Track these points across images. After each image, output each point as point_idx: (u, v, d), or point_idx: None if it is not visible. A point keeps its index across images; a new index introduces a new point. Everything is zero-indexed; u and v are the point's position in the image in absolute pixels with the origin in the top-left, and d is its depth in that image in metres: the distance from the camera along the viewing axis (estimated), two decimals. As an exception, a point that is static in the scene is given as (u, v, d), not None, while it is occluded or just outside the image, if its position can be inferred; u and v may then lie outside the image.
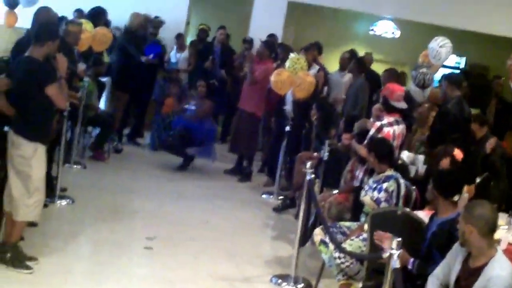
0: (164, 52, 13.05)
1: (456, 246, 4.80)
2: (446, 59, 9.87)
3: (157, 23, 13.20)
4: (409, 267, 5.10)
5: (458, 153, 7.22)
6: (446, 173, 5.86)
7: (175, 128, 11.24)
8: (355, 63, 10.94)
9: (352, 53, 11.79)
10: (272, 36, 12.76)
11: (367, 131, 7.62)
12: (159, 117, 11.92)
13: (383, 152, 6.58)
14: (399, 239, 4.65)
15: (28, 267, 6.15)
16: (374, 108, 8.31)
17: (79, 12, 11.92)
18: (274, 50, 11.50)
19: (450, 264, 4.78)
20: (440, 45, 9.52)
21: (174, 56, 13.72)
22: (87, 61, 10.15)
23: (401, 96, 7.61)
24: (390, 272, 4.60)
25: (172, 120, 11.42)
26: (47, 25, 6.66)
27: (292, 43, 14.02)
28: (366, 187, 6.48)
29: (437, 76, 10.60)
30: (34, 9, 8.36)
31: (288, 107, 10.51)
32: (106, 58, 11.45)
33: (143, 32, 12.13)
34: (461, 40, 16.14)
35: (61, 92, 6.26)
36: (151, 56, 11.92)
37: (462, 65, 18.91)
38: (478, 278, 4.52)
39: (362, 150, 7.31)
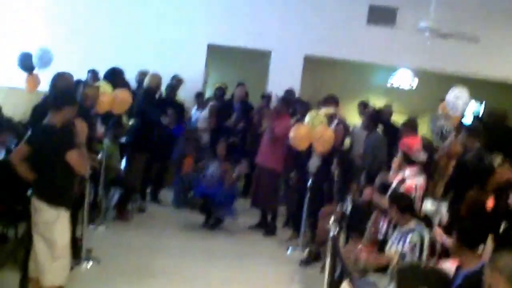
0: (183, 111, 13.16)
1: None
2: (465, 110, 9.91)
3: (178, 81, 13.37)
4: None
5: (490, 202, 7.23)
6: (471, 223, 5.83)
7: (196, 191, 11.22)
8: (368, 118, 11.03)
9: (363, 104, 11.85)
10: (289, 92, 12.84)
11: (389, 184, 7.66)
12: (179, 177, 11.97)
13: (404, 204, 6.63)
14: None
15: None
16: (394, 162, 8.33)
17: (93, 73, 12.09)
18: (292, 105, 11.59)
19: None
20: (456, 96, 9.59)
21: (194, 115, 13.82)
22: (107, 123, 10.28)
23: (419, 149, 7.67)
24: None
25: (193, 181, 11.42)
26: (64, 91, 6.77)
27: (309, 97, 14.10)
28: (391, 241, 6.48)
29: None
30: (49, 71, 8.48)
31: (315, 161, 10.55)
32: (126, 120, 11.57)
33: (160, 92, 12.26)
34: (479, 87, 16.25)
35: (82, 158, 6.29)
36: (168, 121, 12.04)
37: (480, 112, 18.91)
38: None
39: (385, 203, 7.35)
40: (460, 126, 9.79)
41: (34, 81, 12.01)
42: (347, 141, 11.26)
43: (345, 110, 13.59)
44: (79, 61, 12.35)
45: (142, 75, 12.79)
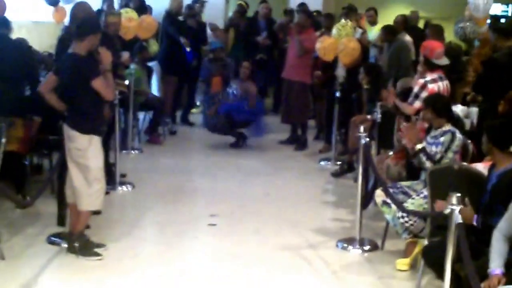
0: (205, 31, 13.07)
1: None
2: (487, 10, 9.75)
3: (201, 3, 13.30)
4: (474, 223, 5.01)
5: None
6: (499, 125, 5.60)
7: (219, 115, 11.14)
8: (384, 32, 10.96)
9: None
10: (303, 5, 12.62)
11: (410, 89, 7.57)
12: (208, 97, 11.97)
13: (440, 105, 6.50)
14: (459, 194, 4.60)
15: (97, 254, 6.27)
16: (418, 66, 8.23)
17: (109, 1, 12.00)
18: (313, 18, 11.47)
19: None
20: None
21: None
22: (132, 49, 10.28)
23: (441, 52, 7.51)
24: (453, 228, 4.57)
25: (218, 106, 11.31)
26: (86, 19, 6.73)
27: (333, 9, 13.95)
28: (424, 144, 6.42)
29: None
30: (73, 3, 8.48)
31: (340, 71, 10.53)
32: (155, 45, 11.58)
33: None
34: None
35: (107, 84, 6.30)
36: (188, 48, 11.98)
37: (510, 13, 18.61)
38: None
39: (406, 108, 7.30)
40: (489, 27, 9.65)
41: (61, 14, 12.10)
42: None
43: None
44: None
45: None
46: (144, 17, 10.20)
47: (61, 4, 12.10)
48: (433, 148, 6.30)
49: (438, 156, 6.27)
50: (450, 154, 6.28)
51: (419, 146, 6.34)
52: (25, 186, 7.33)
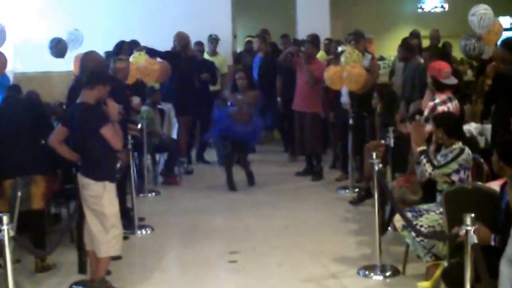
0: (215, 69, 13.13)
1: None
2: (485, 26, 9.89)
3: (214, 41, 13.53)
4: (492, 243, 4.97)
5: None
6: (510, 142, 5.69)
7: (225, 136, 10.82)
8: (402, 51, 10.98)
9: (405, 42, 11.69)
10: (311, 36, 12.64)
11: (422, 111, 7.60)
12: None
13: (451, 125, 6.52)
14: (472, 215, 4.61)
15: (119, 299, 6.31)
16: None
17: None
18: (319, 47, 11.51)
19: None
20: (471, 13, 9.62)
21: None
22: (141, 93, 10.40)
23: (449, 72, 7.54)
24: (469, 248, 4.57)
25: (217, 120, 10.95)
26: (96, 69, 6.88)
27: (342, 36, 14.01)
28: (435, 163, 6.44)
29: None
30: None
31: (344, 99, 10.60)
32: (157, 85, 11.67)
33: (189, 52, 12.21)
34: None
35: (116, 133, 6.40)
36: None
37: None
38: None
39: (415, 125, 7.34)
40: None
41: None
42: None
43: (378, 42, 13.50)
44: (105, 37, 12.43)
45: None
46: (148, 61, 10.29)
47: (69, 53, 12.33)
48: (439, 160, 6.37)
49: (440, 162, 6.33)
50: (454, 165, 6.31)
51: (420, 149, 6.44)
52: (44, 239, 7.36)
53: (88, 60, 7.68)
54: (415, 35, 13.02)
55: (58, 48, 12.43)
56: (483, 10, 9.87)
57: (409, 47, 11.00)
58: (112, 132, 6.29)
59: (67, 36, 12.75)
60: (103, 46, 10.33)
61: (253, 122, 10.59)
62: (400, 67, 11.35)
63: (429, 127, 7.03)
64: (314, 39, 11.91)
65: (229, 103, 11.12)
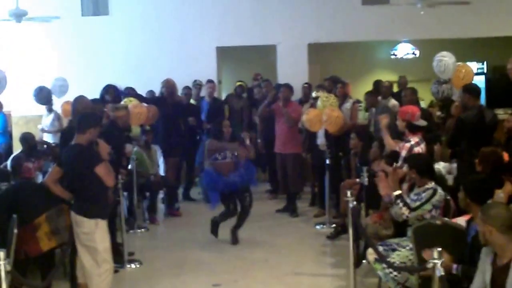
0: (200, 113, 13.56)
1: (483, 251, 5.02)
2: (444, 72, 10.69)
3: (198, 86, 14.04)
4: (453, 272, 5.36)
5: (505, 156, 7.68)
6: (477, 182, 6.00)
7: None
8: (369, 96, 11.78)
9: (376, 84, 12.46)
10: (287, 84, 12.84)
11: (396, 152, 8.10)
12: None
13: (423, 166, 6.93)
14: (439, 249, 4.91)
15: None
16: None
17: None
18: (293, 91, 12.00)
19: (482, 271, 4.99)
20: (434, 60, 10.90)
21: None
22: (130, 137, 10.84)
23: (419, 115, 8.15)
24: (436, 280, 4.89)
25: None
26: (86, 115, 7.25)
27: (319, 81, 14.50)
28: (408, 201, 6.83)
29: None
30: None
31: (321, 140, 11.23)
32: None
33: (176, 98, 12.50)
34: (480, 46, 16.65)
35: (108, 171, 6.79)
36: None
37: (484, 70, 19.28)
38: (508, 274, 4.73)
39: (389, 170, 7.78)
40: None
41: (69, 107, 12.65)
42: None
43: (354, 87, 14.06)
44: (93, 82, 12.87)
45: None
46: (135, 105, 10.67)
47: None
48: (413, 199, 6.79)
49: (416, 204, 6.71)
50: (428, 206, 6.69)
51: (396, 193, 6.81)
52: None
53: (78, 103, 8.14)
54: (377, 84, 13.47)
55: (41, 95, 13.04)
56: (442, 57, 10.56)
57: (370, 95, 11.80)
58: (105, 170, 6.71)
59: (53, 83, 13.45)
60: (90, 93, 10.58)
61: (239, 168, 9.99)
62: (373, 110, 11.90)
63: (405, 169, 7.47)
64: (289, 84, 12.30)
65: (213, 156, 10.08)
